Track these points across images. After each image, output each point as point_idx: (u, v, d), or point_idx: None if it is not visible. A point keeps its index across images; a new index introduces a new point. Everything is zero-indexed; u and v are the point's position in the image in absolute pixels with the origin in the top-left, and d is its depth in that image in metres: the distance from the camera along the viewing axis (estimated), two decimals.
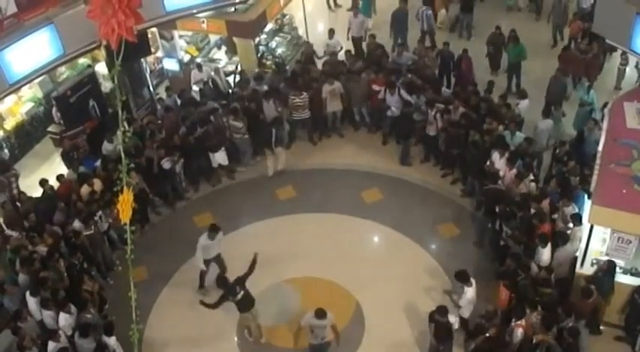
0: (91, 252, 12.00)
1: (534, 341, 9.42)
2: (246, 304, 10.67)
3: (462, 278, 10.39)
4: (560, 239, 10.73)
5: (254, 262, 10.65)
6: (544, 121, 13.24)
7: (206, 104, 14.65)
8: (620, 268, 10.53)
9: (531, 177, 12.00)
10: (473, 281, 10.42)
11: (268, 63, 16.83)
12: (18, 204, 12.89)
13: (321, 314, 9.88)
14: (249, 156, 14.70)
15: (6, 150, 14.93)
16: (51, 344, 10.07)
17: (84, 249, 11.77)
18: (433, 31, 17.46)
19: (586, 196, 11.12)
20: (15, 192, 13.25)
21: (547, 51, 16.88)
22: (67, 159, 14.02)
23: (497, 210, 11.56)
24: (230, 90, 15.79)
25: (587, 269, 10.62)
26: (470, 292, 10.35)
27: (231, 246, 12.79)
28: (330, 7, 20.12)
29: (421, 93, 13.95)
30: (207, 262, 11.73)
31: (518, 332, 9.65)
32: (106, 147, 13.79)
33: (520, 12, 18.74)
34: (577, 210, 11.10)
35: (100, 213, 12.14)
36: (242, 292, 10.49)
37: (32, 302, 10.60)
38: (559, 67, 14.94)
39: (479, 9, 18.15)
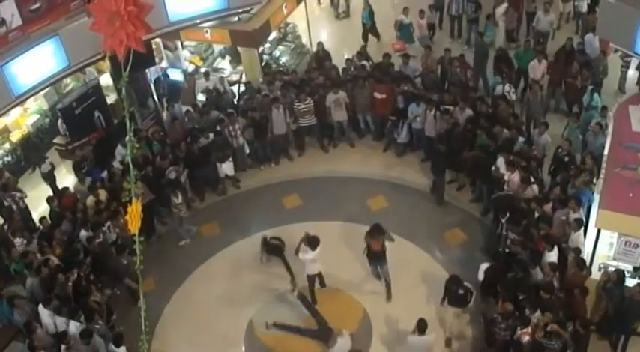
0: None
1: (548, 328, 9.32)
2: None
3: (310, 242, 11.00)
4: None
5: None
6: (543, 136, 12.99)
7: (210, 113, 14.66)
8: (628, 272, 10.50)
9: (533, 179, 11.95)
10: (318, 249, 11.00)
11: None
12: None
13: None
14: None
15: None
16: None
17: (95, 258, 11.69)
18: (461, 17, 17.51)
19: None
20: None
21: None
22: (78, 170, 14.03)
23: (500, 216, 11.53)
24: (235, 100, 15.78)
25: (594, 274, 10.58)
26: (310, 255, 11.02)
27: (239, 254, 12.83)
28: (337, 16, 20.09)
29: (420, 101, 13.80)
30: None
31: (525, 340, 9.61)
32: (120, 151, 13.76)
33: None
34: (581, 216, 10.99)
35: (108, 223, 12.16)
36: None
37: (45, 314, 10.54)
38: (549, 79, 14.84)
39: None
